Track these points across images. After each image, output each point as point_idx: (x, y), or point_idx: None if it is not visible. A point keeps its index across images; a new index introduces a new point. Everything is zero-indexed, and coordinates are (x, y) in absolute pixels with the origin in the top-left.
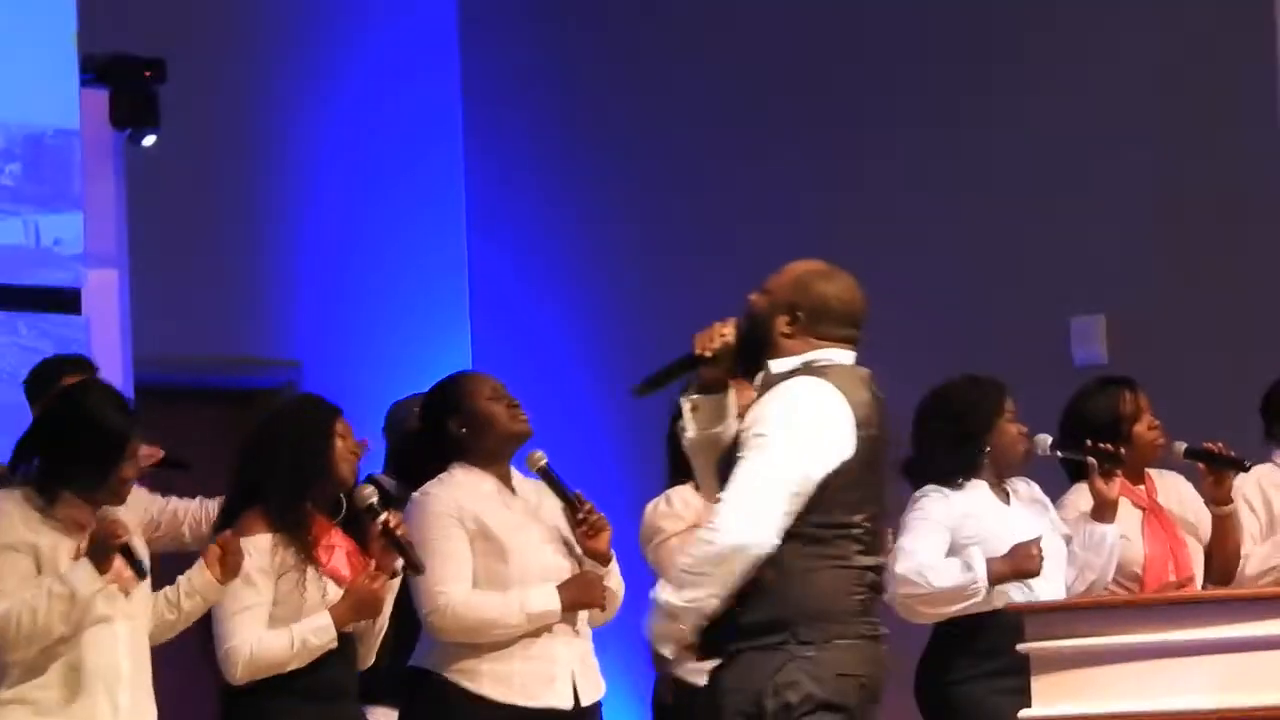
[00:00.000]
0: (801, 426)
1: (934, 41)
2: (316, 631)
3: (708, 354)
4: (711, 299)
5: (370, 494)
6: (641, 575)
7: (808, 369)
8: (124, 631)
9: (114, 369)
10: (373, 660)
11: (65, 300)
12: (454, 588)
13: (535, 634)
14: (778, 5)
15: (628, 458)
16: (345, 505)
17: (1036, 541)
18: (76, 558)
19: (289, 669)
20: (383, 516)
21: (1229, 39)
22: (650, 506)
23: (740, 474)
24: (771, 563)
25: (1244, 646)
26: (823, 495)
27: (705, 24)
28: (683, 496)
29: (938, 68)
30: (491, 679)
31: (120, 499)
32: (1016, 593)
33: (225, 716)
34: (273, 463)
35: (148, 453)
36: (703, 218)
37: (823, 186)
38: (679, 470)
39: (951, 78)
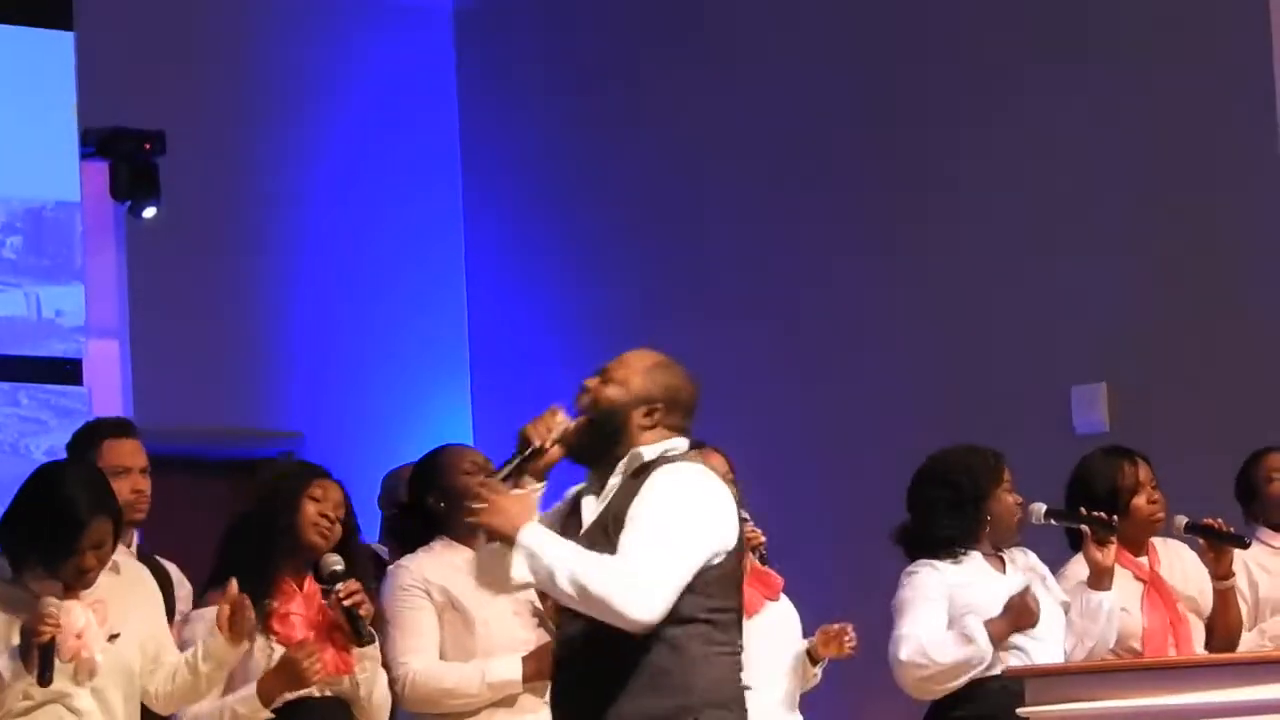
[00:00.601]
0: (700, 511)
1: (935, 105)
2: (242, 701)
3: (545, 444)
4: (715, 353)
5: (333, 562)
6: None
7: (677, 456)
8: (90, 706)
9: None
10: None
11: (66, 371)
12: (414, 659)
13: (499, 703)
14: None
15: None
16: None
17: (1026, 590)
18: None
19: None
20: (337, 586)
21: (1228, 101)
22: None
23: (642, 548)
24: (673, 649)
25: (1246, 710)
26: (715, 580)
27: (714, 44)
28: None
29: (938, 131)
30: None
31: (83, 583)
32: (1014, 658)
33: None
34: (241, 532)
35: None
36: (707, 271)
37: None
38: None
39: (951, 141)
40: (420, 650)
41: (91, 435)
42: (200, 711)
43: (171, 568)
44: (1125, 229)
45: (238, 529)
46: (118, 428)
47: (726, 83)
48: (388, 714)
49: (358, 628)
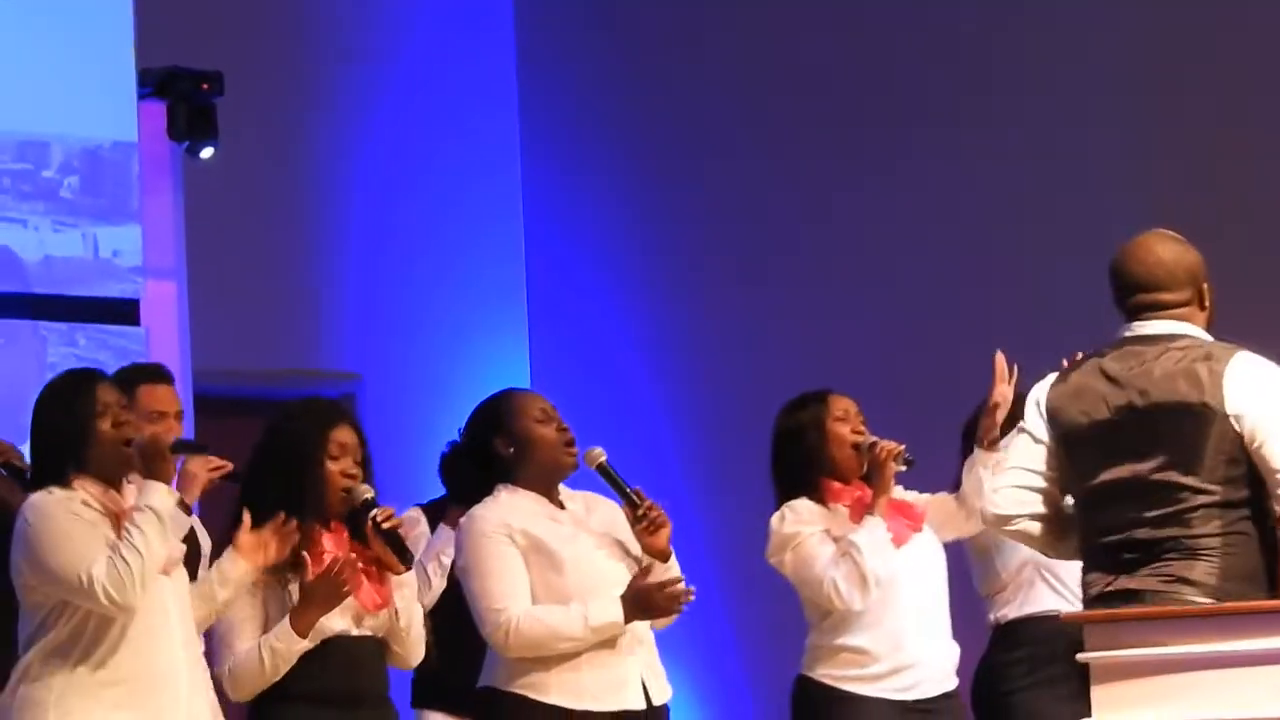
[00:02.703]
0: None
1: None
2: (278, 635)
3: None
4: (774, 295)
5: (364, 491)
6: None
7: None
8: (170, 589)
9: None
10: (420, 658)
11: (124, 312)
12: (513, 604)
13: (601, 645)
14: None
15: (691, 458)
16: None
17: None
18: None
19: (273, 678)
20: (373, 512)
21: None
22: (775, 519)
23: None
24: None
25: None
26: None
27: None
28: (806, 506)
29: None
30: (560, 689)
31: (119, 457)
32: (1052, 599)
33: None
34: (263, 479)
35: (217, 464)
36: (763, 215)
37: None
38: (791, 485)
39: (952, 79)
40: (517, 595)
41: (128, 379)
42: (241, 657)
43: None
44: (1094, 220)
45: (255, 482)
46: (153, 373)
47: (782, 17)
48: (422, 650)
49: (401, 548)
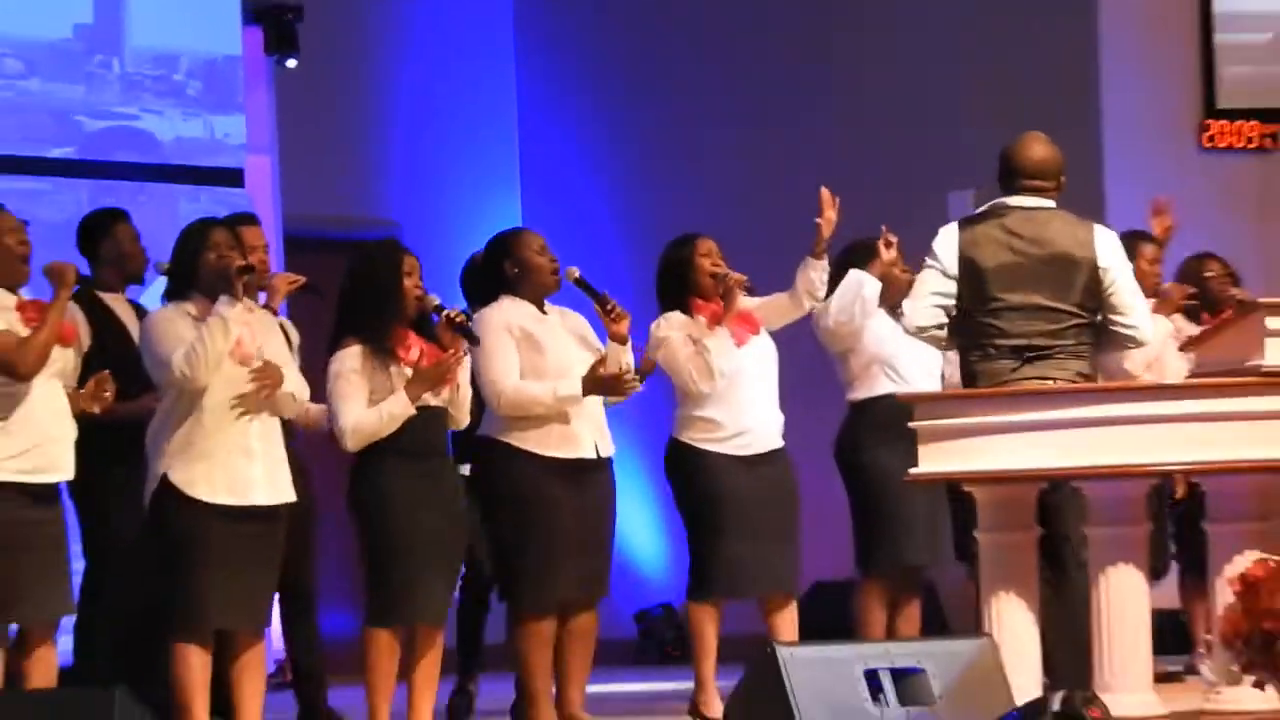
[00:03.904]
0: None
1: None
2: (394, 402)
3: None
4: (701, 166)
5: (435, 299)
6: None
7: None
8: (244, 376)
9: (268, 226)
10: (467, 421)
11: (232, 177)
12: (505, 379)
13: (564, 412)
14: None
15: (640, 292)
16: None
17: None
18: None
19: (384, 434)
20: (446, 310)
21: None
22: (654, 325)
23: None
24: None
25: (1078, 424)
26: None
27: None
28: (676, 316)
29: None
30: (533, 440)
31: (223, 278)
32: (891, 385)
33: (355, 473)
34: (357, 297)
35: (293, 278)
36: (700, 112)
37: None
38: (667, 301)
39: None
40: (509, 373)
41: (232, 223)
42: (362, 417)
43: (285, 321)
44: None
45: (353, 299)
46: (248, 219)
47: None
48: (469, 415)
49: (469, 333)
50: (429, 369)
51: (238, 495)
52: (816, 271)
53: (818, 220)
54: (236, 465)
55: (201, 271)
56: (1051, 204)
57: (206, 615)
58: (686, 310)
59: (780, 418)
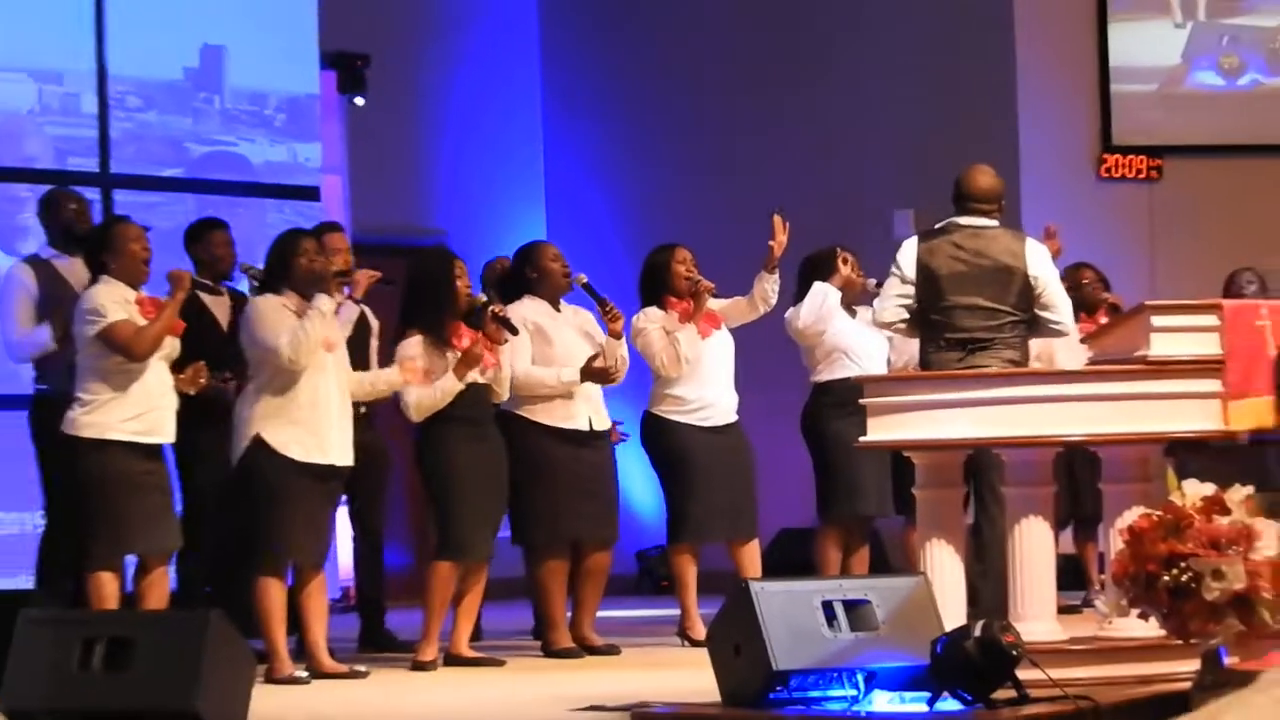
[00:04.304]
0: None
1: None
2: (446, 380)
3: None
4: (711, 198)
5: (481, 296)
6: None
7: None
8: (331, 360)
9: None
10: (507, 396)
11: (311, 193)
12: (519, 363)
13: (568, 391)
14: None
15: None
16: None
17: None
18: None
19: (440, 406)
20: (492, 306)
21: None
22: (635, 318)
23: None
24: None
25: (997, 402)
26: None
27: None
28: (654, 311)
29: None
30: (542, 412)
31: (316, 285)
32: (848, 369)
33: (421, 439)
34: (418, 295)
35: (373, 274)
36: (712, 128)
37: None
38: (647, 298)
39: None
40: (522, 360)
41: (318, 230)
42: (422, 393)
43: (365, 309)
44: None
45: (414, 297)
46: (332, 226)
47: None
48: (508, 389)
49: (510, 325)
50: (467, 353)
51: (320, 455)
52: (769, 283)
53: (770, 243)
54: (321, 430)
55: (294, 272)
56: (994, 223)
57: (288, 553)
58: (662, 306)
59: (735, 397)
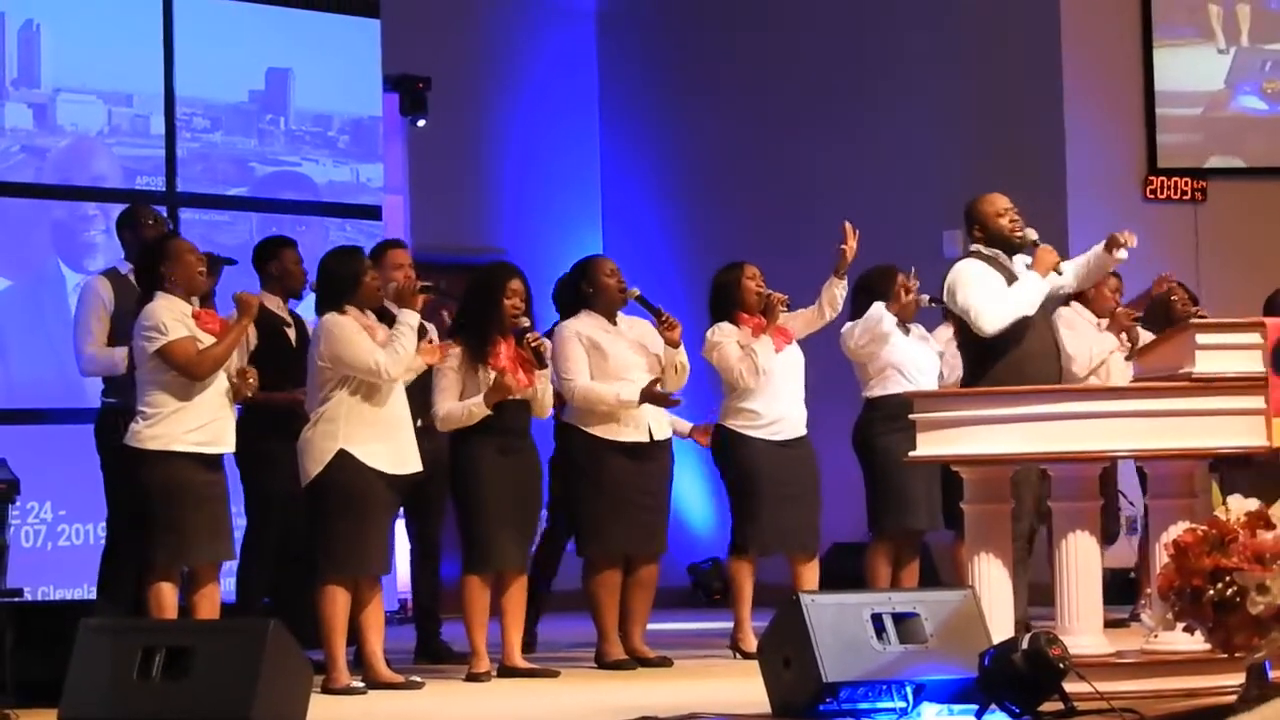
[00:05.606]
0: None
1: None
2: (476, 403)
3: None
4: (765, 214)
5: (525, 321)
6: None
7: None
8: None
9: None
10: (548, 413)
11: (373, 212)
12: (579, 378)
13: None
14: None
15: (692, 305)
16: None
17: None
18: (373, 335)
19: (466, 425)
20: (526, 336)
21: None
22: (709, 332)
23: None
24: None
25: (1044, 419)
26: None
27: None
28: (727, 326)
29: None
30: (600, 428)
31: (373, 300)
32: (899, 385)
33: (453, 450)
34: (466, 310)
35: (426, 285)
36: (749, 150)
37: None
38: (719, 314)
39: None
40: (581, 373)
41: (383, 247)
42: (451, 408)
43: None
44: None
45: (464, 311)
46: (396, 243)
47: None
48: (550, 408)
49: (540, 358)
50: (497, 383)
51: (401, 466)
52: (838, 289)
53: (841, 247)
54: (401, 441)
55: (361, 290)
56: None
57: (364, 564)
58: (734, 322)
59: (805, 411)
